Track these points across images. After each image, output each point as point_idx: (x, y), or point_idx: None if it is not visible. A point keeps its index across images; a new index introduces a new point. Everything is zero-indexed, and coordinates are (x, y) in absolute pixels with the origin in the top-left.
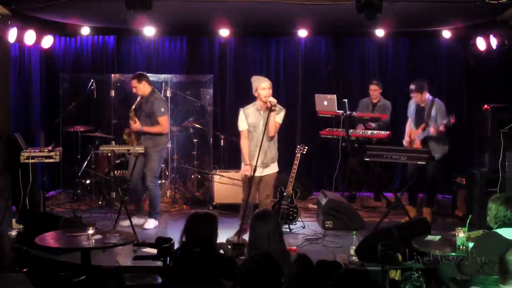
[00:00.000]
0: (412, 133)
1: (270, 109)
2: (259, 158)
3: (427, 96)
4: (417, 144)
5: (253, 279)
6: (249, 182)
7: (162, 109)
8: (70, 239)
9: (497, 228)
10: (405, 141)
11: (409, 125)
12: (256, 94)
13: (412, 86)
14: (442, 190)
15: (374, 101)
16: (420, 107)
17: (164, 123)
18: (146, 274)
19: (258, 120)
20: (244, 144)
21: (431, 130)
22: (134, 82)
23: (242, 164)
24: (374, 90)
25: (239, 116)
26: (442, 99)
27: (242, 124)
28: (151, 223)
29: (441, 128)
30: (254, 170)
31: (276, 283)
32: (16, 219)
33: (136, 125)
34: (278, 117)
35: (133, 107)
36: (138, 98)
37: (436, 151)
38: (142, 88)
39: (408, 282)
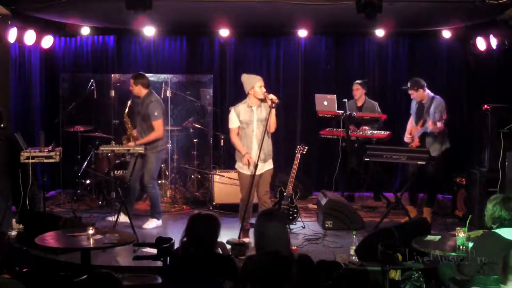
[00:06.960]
0: (412, 130)
1: (271, 106)
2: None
3: (427, 93)
4: (416, 141)
5: (262, 277)
6: (251, 181)
7: (156, 113)
8: (70, 239)
9: (497, 228)
10: (406, 138)
11: (410, 122)
12: (251, 92)
13: (407, 85)
14: (442, 190)
15: (359, 103)
16: (421, 104)
17: (159, 127)
18: (146, 274)
19: (250, 117)
20: (235, 139)
21: (429, 124)
22: (131, 82)
23: (238, 163)
24: (356, 89)
25: (230, 115)
26: (442, 98)
27: (234, 122)
28: (152, 223)
29: (439, 124)
30: (255, 168)
31: (285, 281)
32: (16, 219)
33: (130, 143)
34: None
35: (126, 111)
36: (129, 102)
37: (433, 149)
38: (136, 89)
39: (408, 282)
